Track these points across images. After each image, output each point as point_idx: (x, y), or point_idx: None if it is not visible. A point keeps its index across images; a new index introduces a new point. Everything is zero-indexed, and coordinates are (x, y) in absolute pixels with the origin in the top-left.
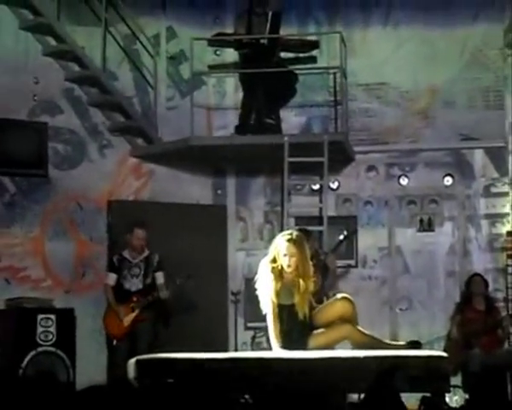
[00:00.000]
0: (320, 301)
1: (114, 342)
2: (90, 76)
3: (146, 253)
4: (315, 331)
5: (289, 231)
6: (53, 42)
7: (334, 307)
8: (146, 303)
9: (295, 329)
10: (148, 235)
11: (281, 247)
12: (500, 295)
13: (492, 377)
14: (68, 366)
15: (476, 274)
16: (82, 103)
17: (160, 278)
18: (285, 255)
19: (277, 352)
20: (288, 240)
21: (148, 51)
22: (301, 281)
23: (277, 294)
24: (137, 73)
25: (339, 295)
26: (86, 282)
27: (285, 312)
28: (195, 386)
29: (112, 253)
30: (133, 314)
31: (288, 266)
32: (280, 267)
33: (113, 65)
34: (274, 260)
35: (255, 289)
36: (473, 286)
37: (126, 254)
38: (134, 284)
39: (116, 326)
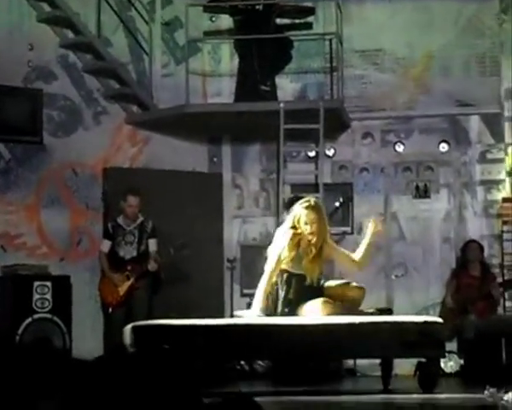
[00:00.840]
0: None
1: (110, 309)
2: (84, 42)
3: (140, 219)
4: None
5: (307, 199)
6: (47, 8)
7: (352, 290)
8: (140, 272)
9: (304, 295)
10: (141, 201)
11: (301, 215)
12: (495, 262)
13: (487, 342)
14: (64, 332)
15: (472, 240)
16: (77, 70)
17: (152, 245)
18: (306, 223)
19: (254, 314)
20: (307, 207)
21: (143, 17)
22: (313, 249)
23: (291, 261)
24: (132, 40)
25: (354, 283)
26: (82, 249)
27: (294, 279)
28: (191, 352)
29: (107, 220)
30: (128, 283)
31: (311, 233)
32: (300, 235)
33: (108, 31)
34: (294, 228)
35: (251, 256)
36: (469, 252)
37: (120, 220)
38: (128, 251)
39: (111, 294)
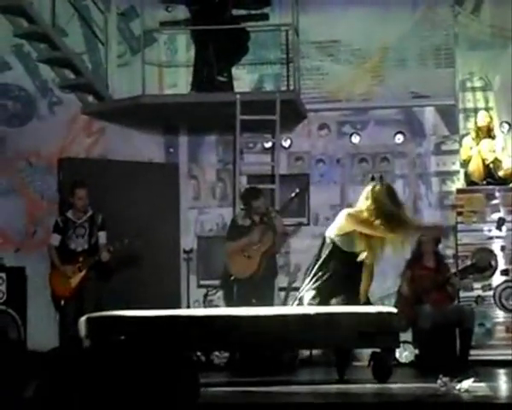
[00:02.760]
0: (272, 258)
1: (62, 302)
2: (39, 32)
3: (90, 213)
4: None
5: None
6: None
7: None
8: (92, 263)
9: None
10: (89, 193)
11: None
12: (450, 252)
13: (442, 332)
14: (19, 324)
15: None
16: (31, 60)
17: (102, 237)
18: None
19: None
20: None
21: (98, 7)
22: None
23: None
24: (87, 30)
25: None
26: (37, 240)
27: None
28: (147, 343)
29: (63, 210)
30: (81, 274)
31: None
32: None
33: (63, 21)
34: None
35: (208, 247)
36: (423, 244)
37: (70, 214)
38: (80, 243)
39: (63, 287)
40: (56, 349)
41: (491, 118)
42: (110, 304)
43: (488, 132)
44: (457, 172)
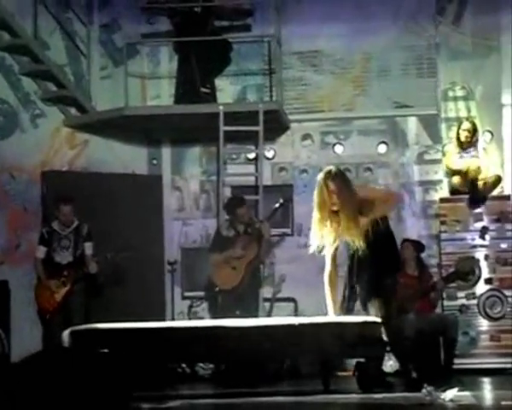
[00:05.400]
0: (257, 269)
1: (47, 316)
2: (21, 45)
3: (75, 224)
4: None
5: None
6: None
7: None
8: (77, 277)
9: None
10: (74, 207)
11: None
12: (433, 261)
13: (426, 341)
14: (3, 338)
15: (406, 240)
16: (13, 73)
17: (88, 248)
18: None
19: None
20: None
21: (80, 20)
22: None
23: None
24: (70, 42)
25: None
26: (20, 253)
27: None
28: (131, 356)
29: (47, 222)
30: (65, 289)
31: (333, 203)
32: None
33: (45, 33)
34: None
35: (192, 259)
36: (404, 252)
37: (56, 226)
38: (64, 256)
39: (48, 301)
40: (39, 353)
41: (473, 127)
42: (95, 317)
43: (470, 142)
44: (440, 181)
